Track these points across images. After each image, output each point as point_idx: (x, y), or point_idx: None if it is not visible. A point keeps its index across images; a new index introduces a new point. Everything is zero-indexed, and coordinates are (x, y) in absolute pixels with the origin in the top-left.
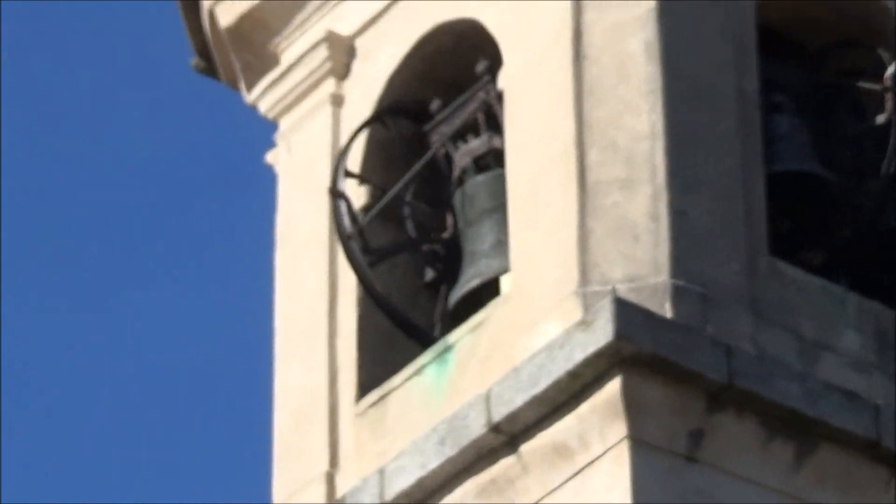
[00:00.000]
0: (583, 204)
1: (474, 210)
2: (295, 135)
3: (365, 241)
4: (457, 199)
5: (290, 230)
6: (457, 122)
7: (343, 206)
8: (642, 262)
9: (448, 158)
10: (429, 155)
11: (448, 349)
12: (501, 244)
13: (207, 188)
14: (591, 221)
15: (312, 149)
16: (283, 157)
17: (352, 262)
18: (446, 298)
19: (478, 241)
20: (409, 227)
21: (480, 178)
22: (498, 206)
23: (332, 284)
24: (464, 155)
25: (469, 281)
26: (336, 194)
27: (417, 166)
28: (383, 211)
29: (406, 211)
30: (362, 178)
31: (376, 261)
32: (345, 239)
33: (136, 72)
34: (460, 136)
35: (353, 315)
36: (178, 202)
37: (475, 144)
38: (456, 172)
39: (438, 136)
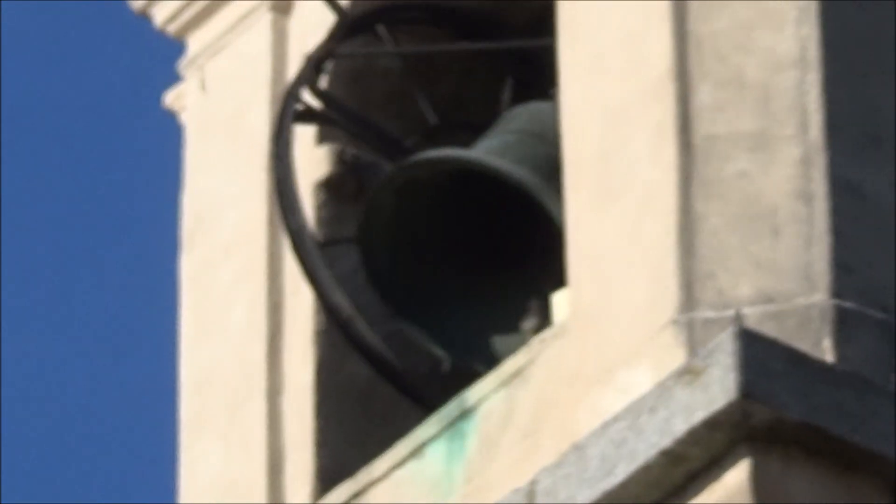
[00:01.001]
0: (686, 174)
1: (497, 128)
2: (213, 62)
3: (315, 82)
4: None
5: (206, 222)
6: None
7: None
8: (786, 270)
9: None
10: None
11: (466, 414)
12: (492, 153)
13: (71, 150)
14: (700, 204)
15: (241, 85)
16: (195, 98)
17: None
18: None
19: (476, 148)
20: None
21: (537, 102)
22: (529, 130)
23: (273, 310)
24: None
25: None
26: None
27: None
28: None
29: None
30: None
31: (323, 119)
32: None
33: None
34: None
35: (307, 361)
36: (26, 172)
37: None
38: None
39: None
